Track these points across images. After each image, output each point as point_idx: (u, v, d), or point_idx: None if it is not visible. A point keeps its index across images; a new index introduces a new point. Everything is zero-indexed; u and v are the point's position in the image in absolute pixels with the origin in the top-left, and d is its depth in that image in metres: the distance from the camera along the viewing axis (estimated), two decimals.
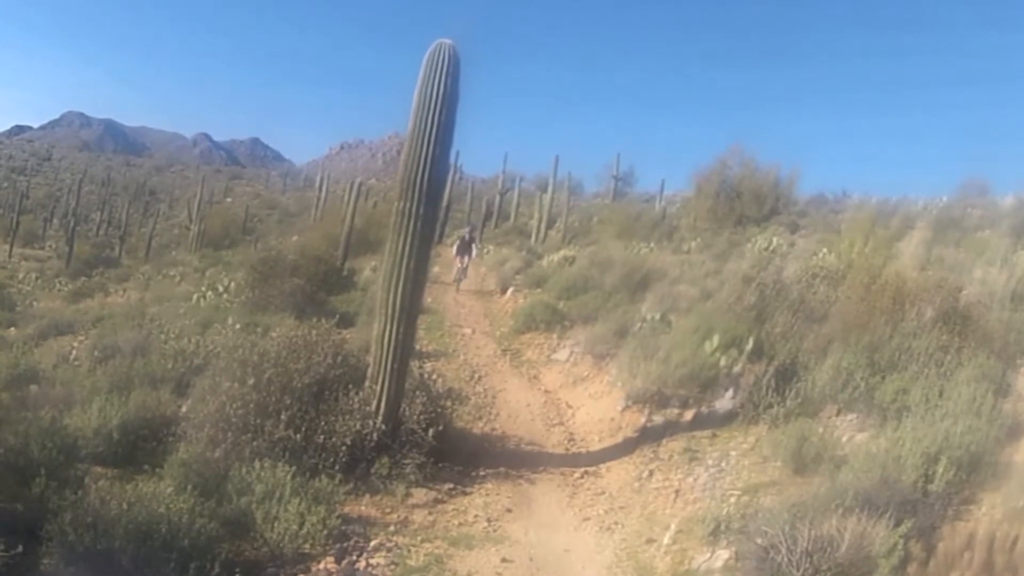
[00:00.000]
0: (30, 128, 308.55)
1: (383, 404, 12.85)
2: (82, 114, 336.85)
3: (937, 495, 9.47)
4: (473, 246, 32.90)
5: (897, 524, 8.27)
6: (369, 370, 13.26)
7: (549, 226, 48.57)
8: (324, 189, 68.69)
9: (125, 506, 8.78)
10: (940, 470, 9.67)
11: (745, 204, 37.59)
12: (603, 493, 12.79)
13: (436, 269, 29.51)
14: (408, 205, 13.12)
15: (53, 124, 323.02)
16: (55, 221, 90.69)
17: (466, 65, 13.47)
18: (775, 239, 28.85)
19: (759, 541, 8.72)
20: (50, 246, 77.29)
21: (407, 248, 13.11)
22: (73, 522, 8.45)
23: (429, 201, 13.26)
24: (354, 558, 10.06)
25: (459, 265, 32.17)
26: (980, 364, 12.53)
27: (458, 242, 32.98)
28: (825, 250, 23.08)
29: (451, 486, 12.64)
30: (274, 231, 71.57)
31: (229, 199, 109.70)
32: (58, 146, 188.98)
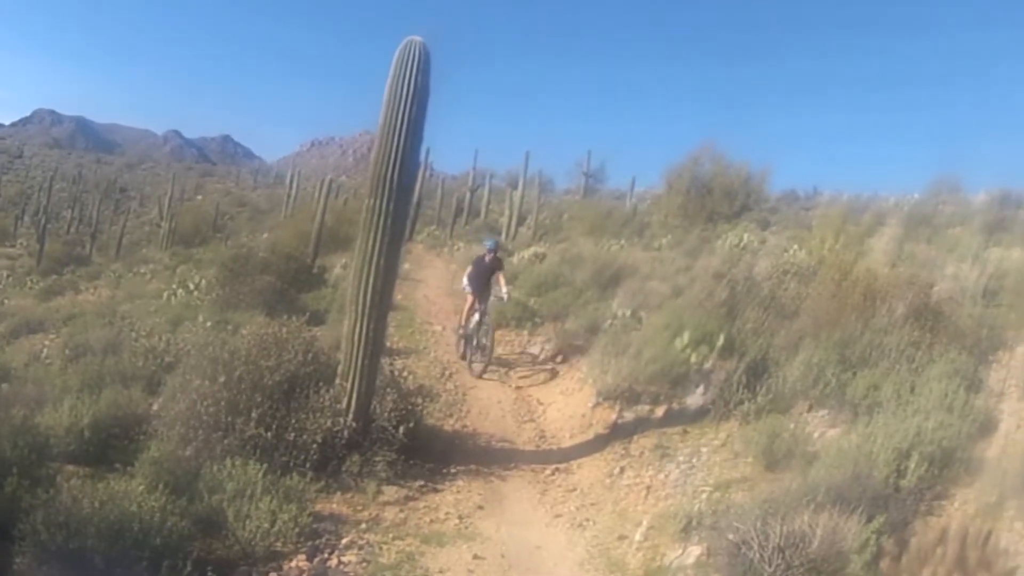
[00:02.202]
0: (1, 125, 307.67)
1: (354, 401, 12.82)
2: (53, 111, 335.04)
3: (909, 491, 9.52)
4: (501, 277, 20.66)
5: (869, 520, 8.30)
6: (340, 367, 13.24)
7: (520, 223, 48.53)
8: (295, 186, 68.46)
9: (97, 504, 8.71)
10: (912, 466, 9.71)
11: (716, 201, 37.59)
12: (574, 490, 12.82)
13: (407, 266, 29.40)
14: (378, 202, 13.06)
15: (24, 121, 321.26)
16: (26, 219, 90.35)
17: (437, 62, 13.41)
18: (746, 236, 28.87)
19: (731, 537, 8.74)
20: (21, 244, 76.97)
21: (378, 245, 13.06)
22: (45, 521, 8.39)
23: (400, 198, 13.23)
24: (326, 556, 10.01)
25: (471, 315, 20.23)
26: (952, 360, 12.58)
27: (471, 267, 21.01)
28: (796, 247, 23.11)
29: (422, 483, 12.62)
30: (245, 228, 71.16)
31: (200, 196, 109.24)
32: (29, 144, 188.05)
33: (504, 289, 20.43)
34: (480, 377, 18.93)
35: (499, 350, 20.57)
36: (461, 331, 20.68)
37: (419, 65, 13.12)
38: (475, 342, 19.89)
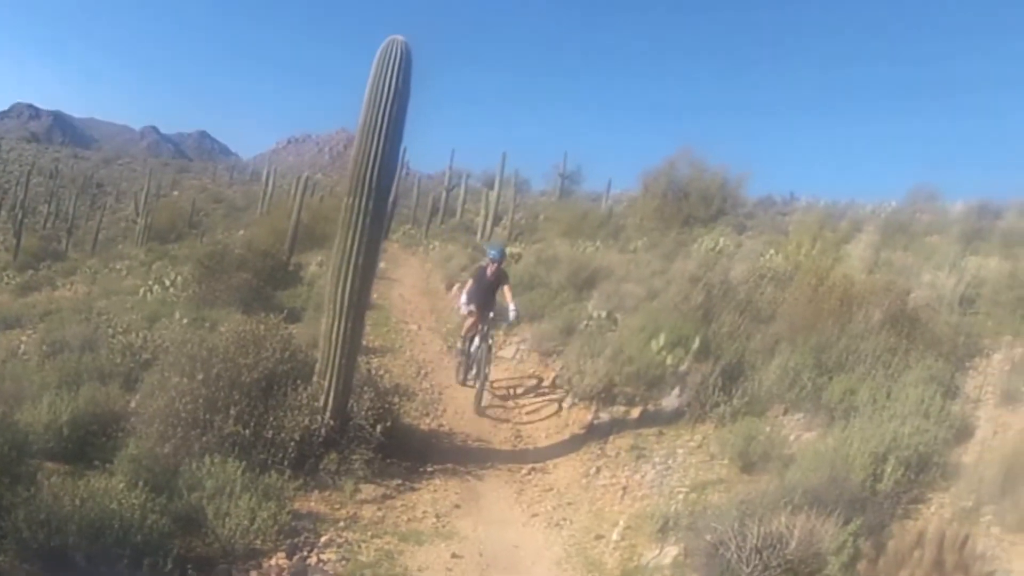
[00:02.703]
0: None
1: (331, 400, 12.84)
2: (31, 105, 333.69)
3: (886, 494, 9.60)
4: (508, 292, 17.53)
5: (846, 522, 8.37)
6: (317, 365, 13.24)
7: (495, 223, 48.63)
8: (271, 183, 68.44)
9: (78, 502, 8.71)
10: (888, 470, 9.80)
11: (692, 204, 37.67)
12: (551, 490, 12.86)
13: (382, 265, 29.39)
14: (357, 201, 13.03)
15: (2, 115, 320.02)
16: (3, 213, 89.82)
17: (416, 62, 13.44)
18: (722, 240, 28.94)
19: (708, 538, 8.80)
20: None
21: (356, 244, 13.05)
22: (27, 519, 8.38)
23: (378, 197, 13.23)
24: (305, 554, 10.02)
25: (470, 336, 17.95)
26: (928, 366, 12.67)
27: (471, 282, 18.22)
28: (772, 251, 23.21)
29: (399, 482, 12.65)
30: (220, 225, 71.17)
31: (176, 193, 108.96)
32: (7, 138, 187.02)
33: (512, 307, 17.18)
34: (482, 414, 16.37)
35: None
36: (460, 355, 18.51)
37: (401, 65, 13.07)
38: (475, 369, 17.38)
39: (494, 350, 18.13)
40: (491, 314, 17.22)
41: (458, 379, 18.38)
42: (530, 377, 18.46)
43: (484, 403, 16.57)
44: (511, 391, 17.85)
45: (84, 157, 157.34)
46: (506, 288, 17.41)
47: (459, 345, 18.66)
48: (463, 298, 17.71)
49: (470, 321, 17.66)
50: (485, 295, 17.42)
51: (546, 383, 17.63)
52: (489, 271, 17.50)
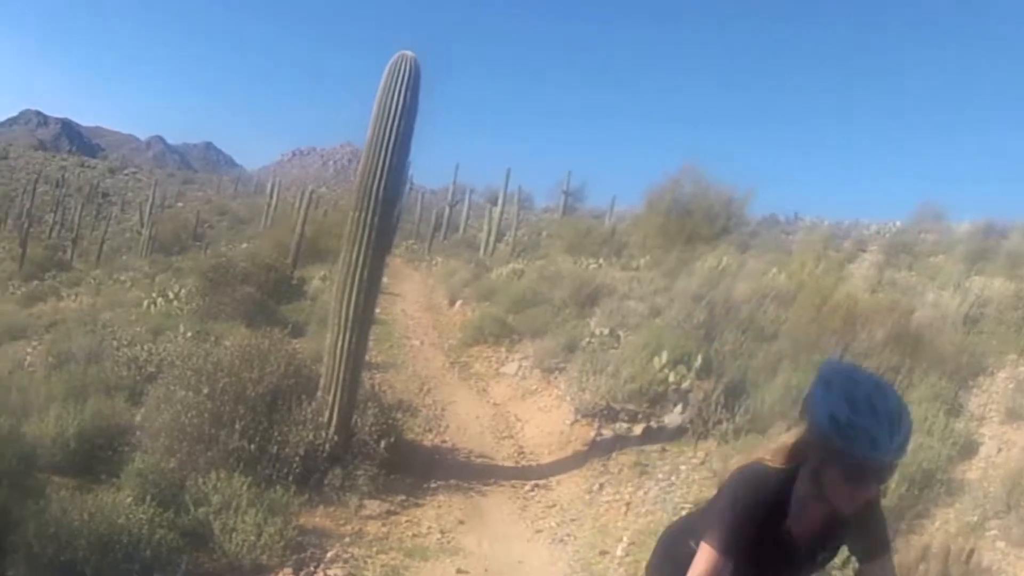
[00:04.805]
0: None
1: (335, 415, 12.86)
2: (39, 112, 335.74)
3: (890, 509, 9.61)
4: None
5: None
6: (321, 380, 13.26)
7: (498, 239, 48.71)
8: (275, 196, 68.50)
9: (86, 516, 8.74)
10: (892, 485, 9.83)
11: (696, 223, 37.56)
12: (554, 506, 12.86)
13: (385, 279, 29.46)
14: (363, 215, 13.12)
15: (10, 122, 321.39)
16: (9, 222, 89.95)
17: (424, 76, 13.52)
18: (725, 258, 28.88)
19: None
20: (3, 248, 76.61)
21: (361, 258, 13.11)
22: (36, 533, 8.42)
23: (384, 212, 13.30)
24: (311, 569, 10.04)
25: None
26: (932, 385, 12.75)
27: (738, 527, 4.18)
28: (776, 270, 23.25)
29: (403, 498, 12.64)
30: (224, 237, 71.25)
31: (180, 204, 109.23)
32: (15, 144, 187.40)
33: None
34: None
35: (476, 367, 20.69)
36: None
37: (410, 80, 13.21)
38: None
39: None
40: None
41: None
42: (532, 393, 18.28)
43: None
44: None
45: (90, 166, 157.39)
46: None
47: None
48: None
49: None
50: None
51: (548, 400, 17.56)
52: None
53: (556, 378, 18.19)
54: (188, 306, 25.19)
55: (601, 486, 13.18)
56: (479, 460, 14.95)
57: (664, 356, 15.46)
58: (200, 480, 10.72)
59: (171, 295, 27.63)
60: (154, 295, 28.89)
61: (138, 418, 13.19)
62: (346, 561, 10.43)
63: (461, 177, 69.40)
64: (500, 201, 51.71)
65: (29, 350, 21.33)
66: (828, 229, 41.07)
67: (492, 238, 48.54)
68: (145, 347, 17.18)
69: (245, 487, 10.49)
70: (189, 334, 19.26)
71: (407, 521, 11.98)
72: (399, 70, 13.26)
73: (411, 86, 13.27)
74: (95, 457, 12.18)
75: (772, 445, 3.95)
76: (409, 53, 13.40)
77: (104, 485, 10.83)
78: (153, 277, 42.47)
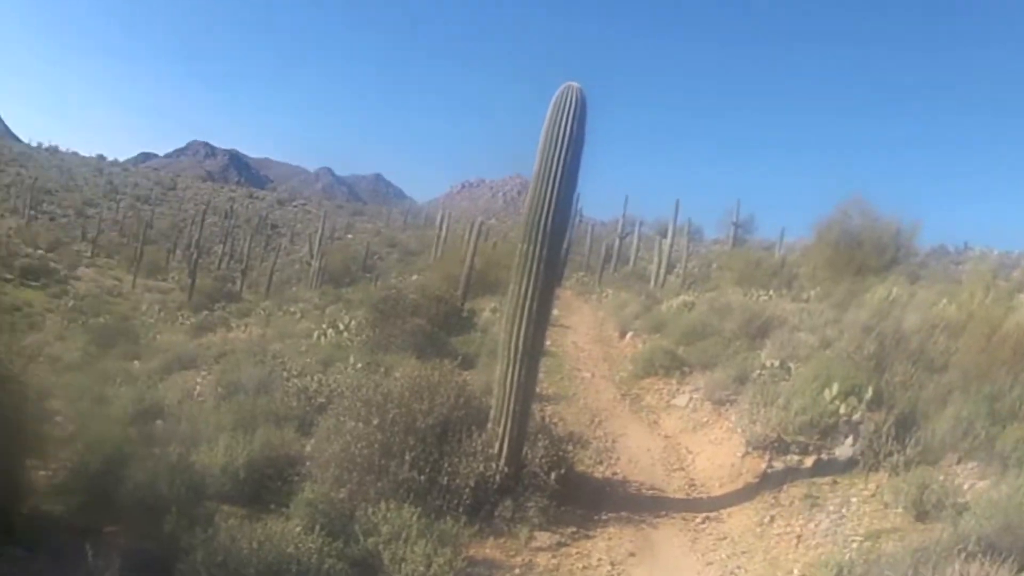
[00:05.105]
0: (155, 156, 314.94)
1: (506, 446, 13.03)
2: (207, 143, 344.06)
3: None
4: None
5: (1020, 569, 8.41)
6: (491, 412, 13.44)
7: (668, 271, 48.66)
8: (444, 228, 68.93)
9: (255, 545, 9.05)
10: None
11: (865, 254, 37.10)
12: (725, 538, 12.91)
13: (556, 312, 29.52)
14: (531, 247, 13.33)
15: (179, 152, 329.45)
16: (178, 253, 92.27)
17: (591, 107, 13.67)
18: (895, 289, 28.55)
19: None
20: (173, 278, 78.61)
21: (530, 290, 13.28)
22: (205, 561, 8.72)
23: (552, 244, 13.45)
24: None
25: None
26: None
27: None
28: (945, 301, 22.93)
29: (574, 529, 12.79)
30: (394, 269, 72.19)
31: (350, 235, 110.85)
32: (183, 175, 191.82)
33: None
34: None
35: (647, 399, 20.72)
36: None
37: (576, 111, 13.38)
38: None
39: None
40: None
41: None
42: (703, 425, 18.27)
43: None
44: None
45: (259, 197, 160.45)
46: None
47: None
48: None
49: None
50: None
51: (719, 432, 17.57)
52: None
53: (727, 410, 18.18)
54: (358, 337, 25.60)
55: (772, 518, 13.19)
56: (650, 492, 15.01)
57: (835, 388, 15.41)
58: (370, 510, 11.00)
59: (341, 326, 28.06)
60: (324, 326, 29.38)
61: (308, 448, 13.56)
62: None
63: (631, 208, 69.47)
64: (670, 233, 51.62)
65: (198, 380, 22.02)
66: (998, 259, 40.34)
67: (662, 270, 48.50)
68: (315, 378, 17.58)
69: (415, 517, 10.74)
70: (359, 365, 19.62)
71: (577, 553, 12.14)
72: (565, 101, 13.45)
73: (577, 117, 13.41)
74: (264, 486, 12.55)
75: None
76: (575, 84, 13.58)
77: (273, 514, 11.16)
78: (323, 308, 43.35)
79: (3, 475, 11.56)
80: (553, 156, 13.36)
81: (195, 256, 69.08)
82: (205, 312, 50.85)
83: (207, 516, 10.39)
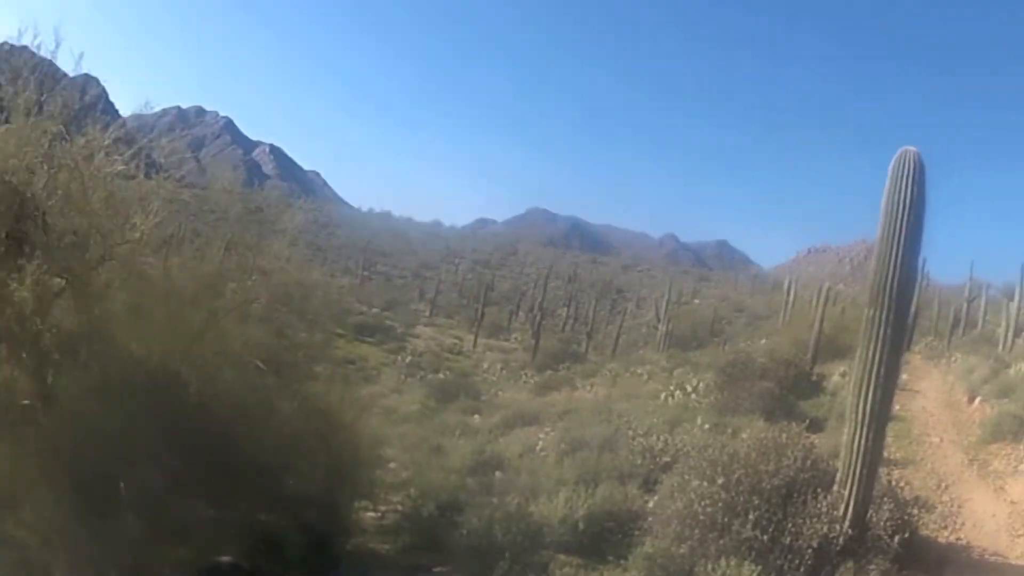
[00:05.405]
0: (494, 222, 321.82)
1: (851, 509, 13.09)
2: (546, 211, 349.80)
3: None
4: None
5: None
6: (838, 474, 13.54)
7: (1016, 334, 47.38)
8: (792, 293, 68.57)
9: None
10: None
11: None
12: None
13: (904, 376, 29.22)
14: (878, 312, 13.46)
15: (517, 219, 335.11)
16: (520, 315, 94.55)
17: (931, 170, 13.82)
18: None
19: None
20: (515, 338, 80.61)
21: (877, 355, 13.34)
22: None
23: (899, 308, 13.53)
24: None
25: None
26: None
27: None
28: None
29: None
30: (742, 334, 71.92)
31: (696, 300, 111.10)
32: (523, 241, 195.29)
33: None
34: None
35: (995, 464, 20.48)
36: None
37: (914, 175, 13.52)
38: None
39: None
40: None
41: None
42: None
43: None
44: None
45: (602, 263, 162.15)
46: None
47: None
48: None
49: None
50: None
51: None
52: None
53: None
54: (705, 399, 26.10)
55: None
56: (992, 558, 14.89)
57: None
58: (709, 566, 11.49)
59: (689, 388, 28.53)
60: (672, 388, 29.90)
61: (650, 504, 14.10)
62: None
63: (978, 271, 67.75)
64: (1017, 295, 50.24)
65: (540, 436, 22.73)
66: None
67: (1010, 333, 47.20)
68: (661, 437, 18.05)
69: (755, 575, 11.04)
70: (706, 426, 20.01)
71: None
72: (903, 165, 13.64)
73: (916, 180, 13.55)
74: (603, 539, 13.18)
75: None
76: (912, 149, 13.75)
77: (610, 566, 11.78)
78: (670, 371, 43.54)
79: (331, 512, 12.60)
80: (895, 220, 13.52)
81: (539, 318, 70.97)
82: (549, 371, 51.83)
83: (542, 564, 11.08)
